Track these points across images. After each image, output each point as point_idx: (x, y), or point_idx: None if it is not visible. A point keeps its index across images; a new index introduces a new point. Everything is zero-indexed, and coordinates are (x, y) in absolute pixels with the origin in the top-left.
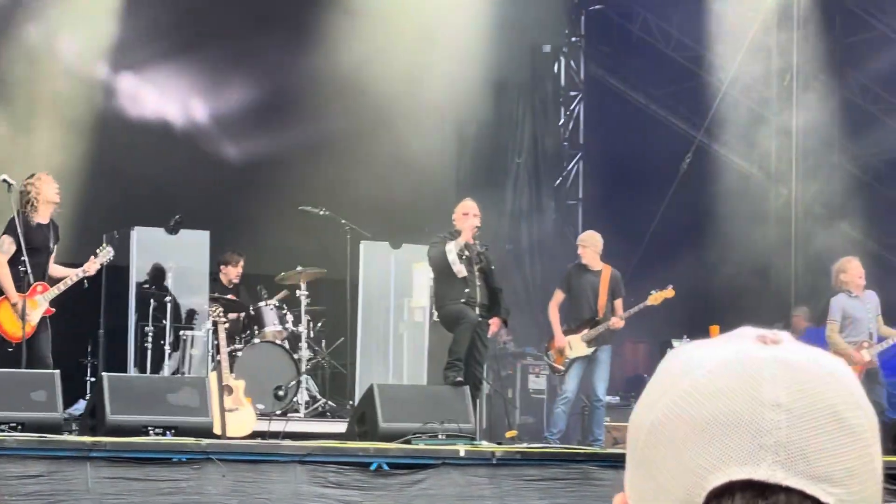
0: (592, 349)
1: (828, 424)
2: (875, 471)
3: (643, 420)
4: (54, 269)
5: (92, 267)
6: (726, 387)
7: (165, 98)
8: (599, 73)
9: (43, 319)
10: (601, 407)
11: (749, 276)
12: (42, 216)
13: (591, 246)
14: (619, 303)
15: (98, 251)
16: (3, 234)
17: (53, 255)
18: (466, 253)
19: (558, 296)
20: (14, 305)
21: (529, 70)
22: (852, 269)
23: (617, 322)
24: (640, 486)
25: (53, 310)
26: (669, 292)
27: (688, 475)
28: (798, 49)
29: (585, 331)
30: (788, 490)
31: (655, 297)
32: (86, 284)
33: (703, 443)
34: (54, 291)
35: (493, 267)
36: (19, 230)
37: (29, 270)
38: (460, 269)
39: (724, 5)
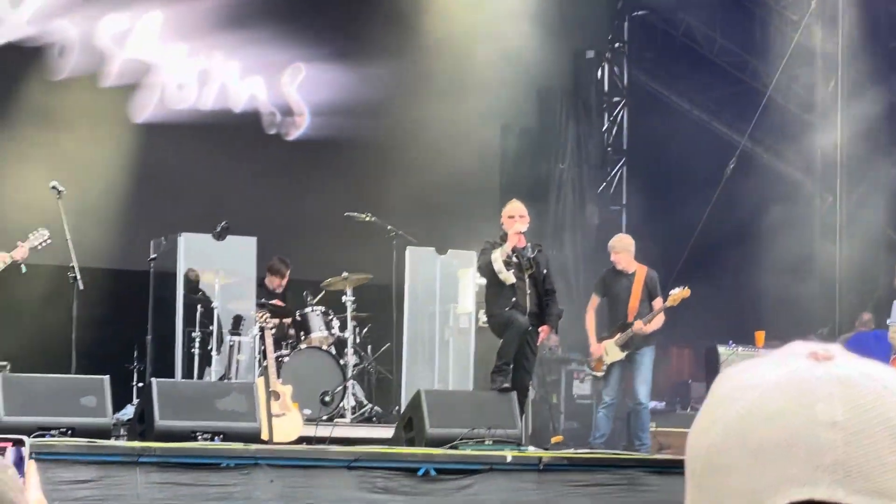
0: (626, 353)
1: (885, 439)
2: None
3: (700, 444)
4: None
5: (19, 253)
6: (781, 408)
7: (214, 101)
8: (643, 78)
9: None
10: (643, 410)
11: (794, 282)
12: None
13: (622, 250)
14: (657, 302)
15: (30, 236)
16: None
17: None
18: (515, 259)
19: (594, 301)
20: None
21: (573, 75)
22: None
23: (638, 326)
24: None
25: None
26: (685, 292)
27: (747, 498)
28: (843, 54)
29: (618, 335)
30: None
31: (673, 298)
32: (23, 269)
33: (761, 466)
34: None
35: (545, 270)
36: None
37: None
38: (507, 277)
39: (768, 10)
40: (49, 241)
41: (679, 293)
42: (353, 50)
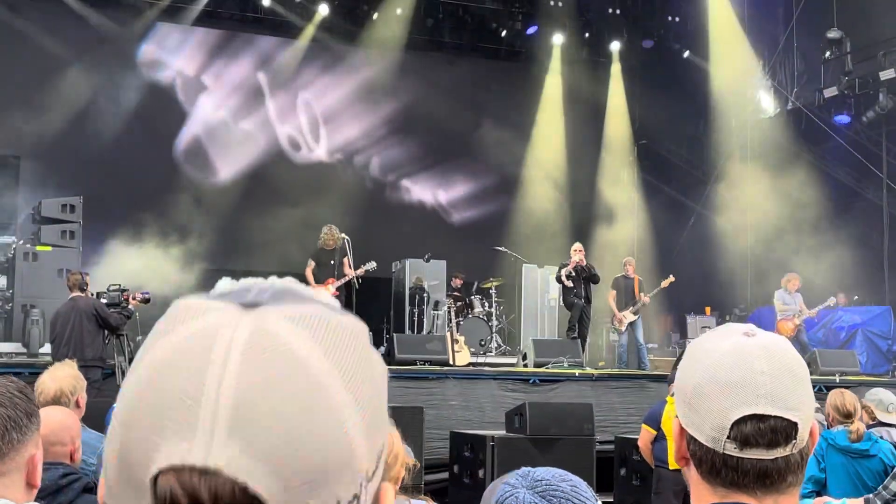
0: (636, 317)
1: (790, 379)
2: (812, 399)
3: (688, 381)
4: (347, 271)
5: (357, 273)
6: (732, 363)
7: (418, 193)
8: (647, 176)
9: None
10: (643, 348)
11: (724, 273)
12: (328, 245)
13: (630, 265)
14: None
15: (365, 265)
16: (310, 258)
17: (345, 263)
18: (573, 273)
19: (612, 292)
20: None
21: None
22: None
23: (645, 300)
24: (689, 416)
25: (338, 292)
26: (669, 280)
27: (719, 411)
28: None
29: (630, 308)
30: (776, 417)
31: (663, 284)
32: (356, 285)
33: (725, 395)
34: (337, 283)
35: (594, 273)
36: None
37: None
38: (567, 283)
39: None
40: (374, 268)
41: (666, 281)
42: (469, 172)
